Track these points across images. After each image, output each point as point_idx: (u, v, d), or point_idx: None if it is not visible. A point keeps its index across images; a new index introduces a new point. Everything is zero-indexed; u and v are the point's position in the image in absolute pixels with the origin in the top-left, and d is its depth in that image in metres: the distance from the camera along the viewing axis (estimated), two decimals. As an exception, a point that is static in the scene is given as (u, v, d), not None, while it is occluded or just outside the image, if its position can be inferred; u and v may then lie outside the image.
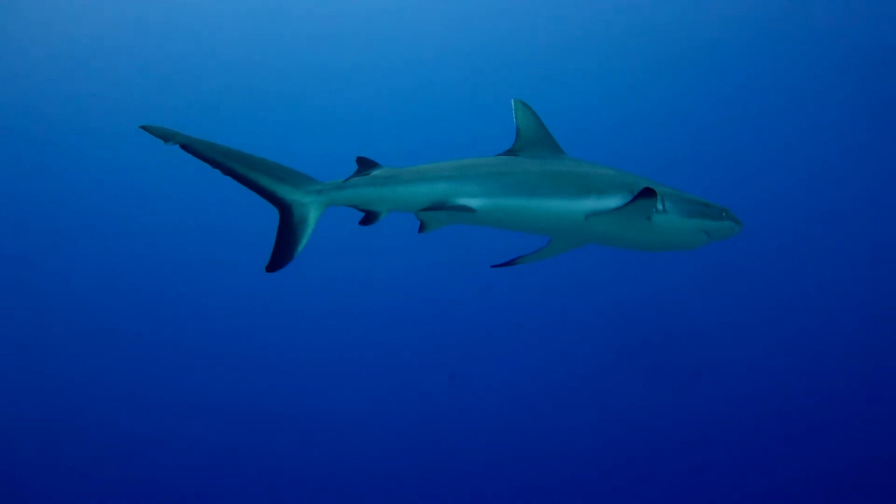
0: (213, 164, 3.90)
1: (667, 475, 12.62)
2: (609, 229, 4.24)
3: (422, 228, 4.31)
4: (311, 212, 4.05)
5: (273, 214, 4.07)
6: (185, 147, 3.82)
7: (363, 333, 14.95)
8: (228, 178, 3.95)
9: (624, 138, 18.95)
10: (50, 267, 16.47)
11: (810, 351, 14.76)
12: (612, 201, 4.13)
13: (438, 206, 4.12)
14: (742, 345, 14.89)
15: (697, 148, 18.92)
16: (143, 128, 3.79)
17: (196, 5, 18.39)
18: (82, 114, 18.83)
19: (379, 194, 4.16)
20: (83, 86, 18.75)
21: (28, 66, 18.34)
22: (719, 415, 13.52)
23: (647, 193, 3.85)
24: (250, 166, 3.98)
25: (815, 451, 12.77)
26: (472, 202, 4.14)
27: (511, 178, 4.24)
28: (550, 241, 4.72)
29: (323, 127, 19.66)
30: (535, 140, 4.62)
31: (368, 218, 4.16)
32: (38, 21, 17.79)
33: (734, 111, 19.08)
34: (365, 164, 4.26)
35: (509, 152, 4.62)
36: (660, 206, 4.17)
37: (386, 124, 19.42)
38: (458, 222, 4.32)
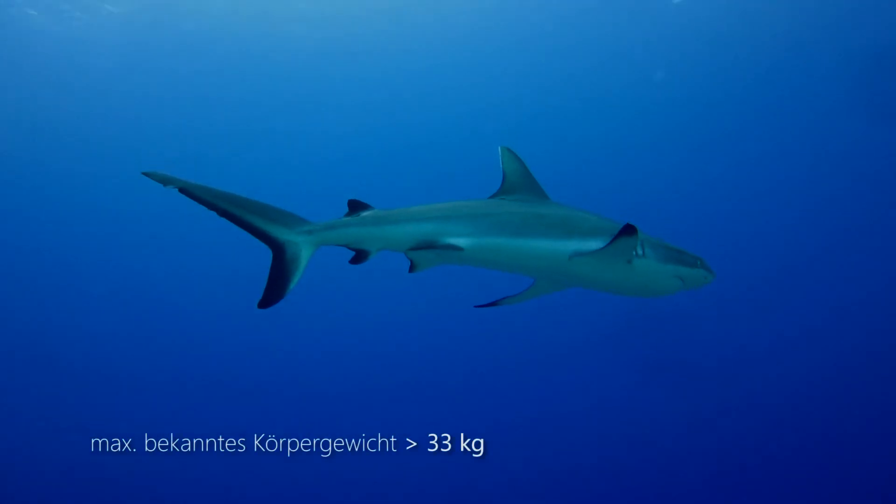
0: (210, 206, 4.06)
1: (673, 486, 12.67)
2: (590, 271, 4.35)
3: (412, 268, 4.41)
4: (303, 251, 4.19)
5: (266, 253, 4.19)
6: (183, 191, 3.98)
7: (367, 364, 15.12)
8: (224, 220, 4.11)
9: (608, 169, 19.22)
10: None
11: (814, 357, 14.83)
12: (595, 243, 4.23)
13: (427, 245, 4.23)
14: (745, 350, 14.99)
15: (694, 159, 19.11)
16: (145, 174, 3.93)
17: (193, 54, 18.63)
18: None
19: (369, 233, 4.29)
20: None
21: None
22: (721, 419, 13.60)
23: (629, 231, 3.93)
24: (244, 208, 4.14)
25: (820, 454, 12.83)
26: (461, 241, 4.24)
27: (498, 218, 4.37)
28: (534, 283, 4.82)
29: (318, 173, 20.09)
30: (520, 185, 4.78)
31: (359, 257, 4.30)
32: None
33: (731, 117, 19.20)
34: (356, 207, 4.41)
35: (496, 196, 4.77)
36: (639, 251, 4.31)
37: (377, 171, 19.78)
38: (446, 262, 4.41)
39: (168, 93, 18.95)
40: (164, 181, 3.94)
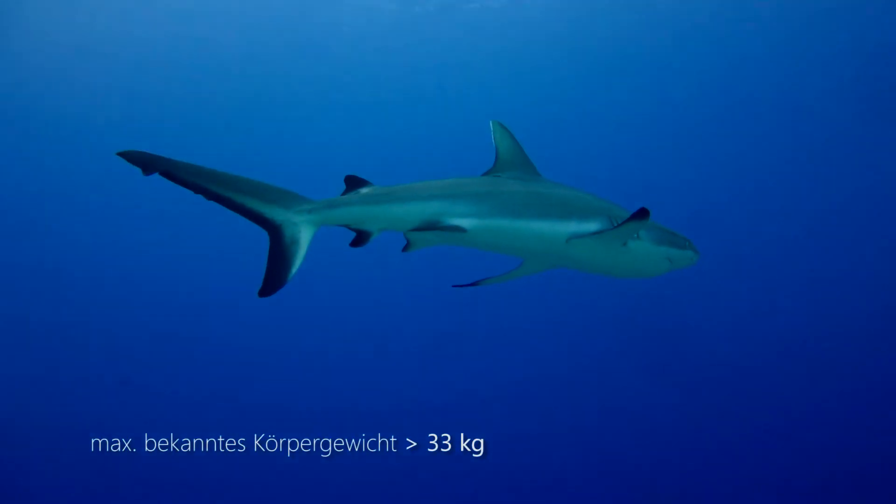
0: (197, 189, 3.61)
1: (666, 473, 12.67)
2: (586, 252, 4.27)
3: (407, 248, 4.22)
4: (303, 232, 3.81)
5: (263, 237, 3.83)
6: (165, 174, 3.53)
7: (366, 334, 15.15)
8: (213, 203, 3.68)
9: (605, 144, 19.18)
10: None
11: (811, 348, 14.84)
12: (593, 225, 4.20)
13: (430, 226, 4.01)
14: (741, 341, 14.99)
15: (692, 147, 19.09)
16: (121, 154, 3.48)
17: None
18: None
19: (372, 212, 3.98)
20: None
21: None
22: (718, 412, 13.59)
23: (642, 215, 3.82)
24: (236, 188, 3.69)
25: (814, 449, 12.81)
26: (464, 222, 4.05)
27: (501, 198, 4.22)
28: (522, 264, 4.73)
29: (307, 148, 19.91)
30: (513, 161, 4.65)
31: (360, 238, 4.00)
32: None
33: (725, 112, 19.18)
34: (354, 183, 4.15)
35: (490, 173, 4.63)
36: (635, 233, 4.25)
37: (358, 146, 19.61)
38: (447, 243, 4.25)
39: (143, 74, 18.73)
40: (145, 165, 3.48)
